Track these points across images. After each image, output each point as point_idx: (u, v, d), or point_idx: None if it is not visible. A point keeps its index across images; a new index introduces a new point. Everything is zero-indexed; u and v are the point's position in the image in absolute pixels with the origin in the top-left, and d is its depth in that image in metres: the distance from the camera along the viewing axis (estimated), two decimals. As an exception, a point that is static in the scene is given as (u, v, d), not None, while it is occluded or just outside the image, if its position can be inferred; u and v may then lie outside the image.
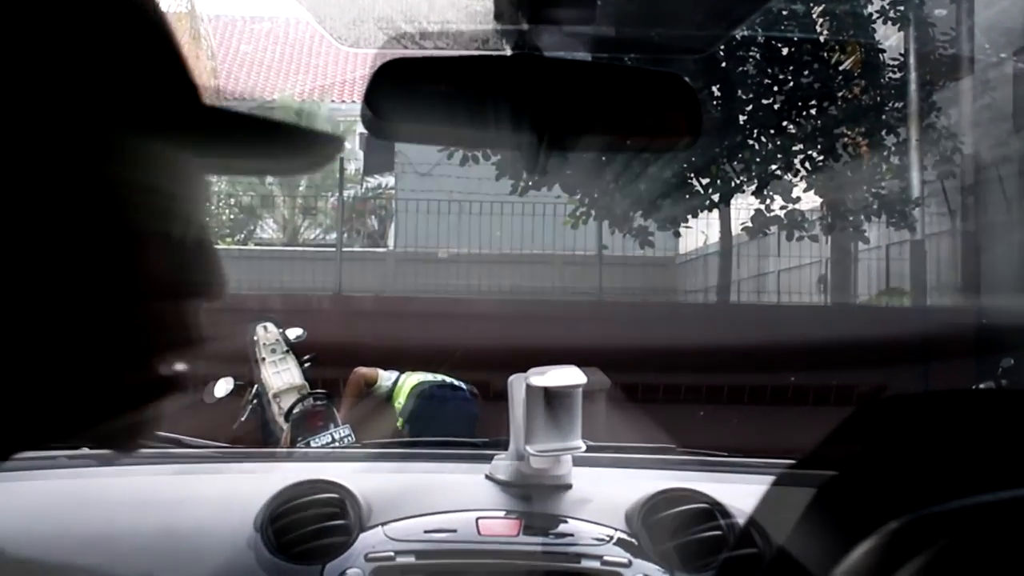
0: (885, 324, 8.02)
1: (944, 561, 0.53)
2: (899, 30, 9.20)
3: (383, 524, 1.60)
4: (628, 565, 1.56)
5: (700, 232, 10.79)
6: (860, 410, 0.70)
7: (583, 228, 9.64)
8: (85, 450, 1.73)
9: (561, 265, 10.69)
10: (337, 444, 4.66)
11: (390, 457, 2.21)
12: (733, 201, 9.47)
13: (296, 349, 5.26)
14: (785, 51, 9.11)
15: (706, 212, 9.53)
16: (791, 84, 9.07)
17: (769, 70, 9.08)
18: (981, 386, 6.55)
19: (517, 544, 1.59)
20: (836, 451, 0.69)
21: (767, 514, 0.67)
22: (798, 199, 9.26)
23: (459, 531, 1.60)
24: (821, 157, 9.06)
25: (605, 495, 1.72)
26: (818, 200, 9.44)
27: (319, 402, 5.06)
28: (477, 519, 1.62)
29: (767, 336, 6.16)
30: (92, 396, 0.48)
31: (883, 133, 9.13)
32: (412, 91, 0.95)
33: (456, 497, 1.70)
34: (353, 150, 12.18)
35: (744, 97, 9.12)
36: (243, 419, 5.03)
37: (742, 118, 9.15)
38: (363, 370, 5.34)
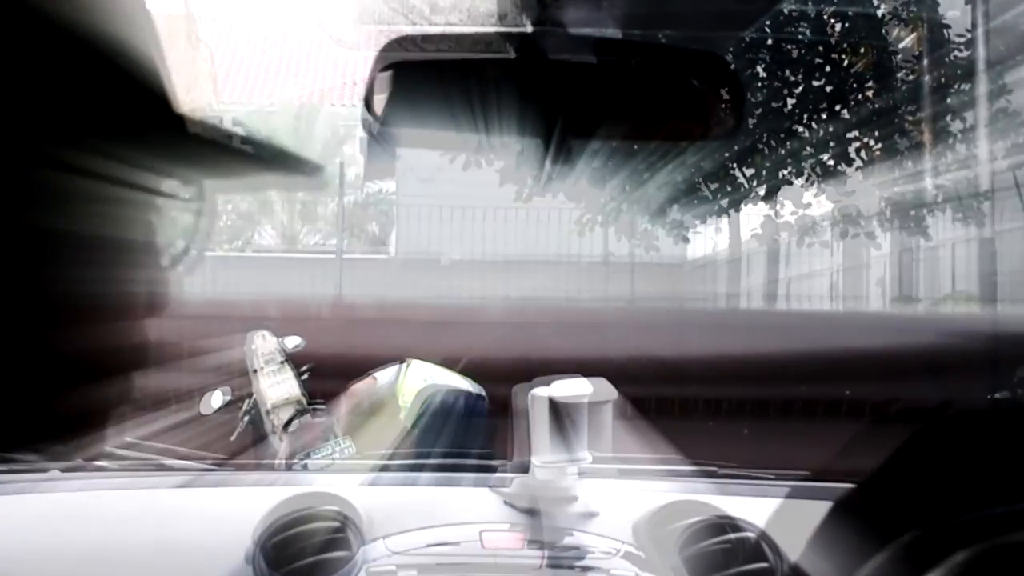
0: (896, 332, 7.88)
1: (961, 574, 0.53)
2: (912, 31, 8.89)
3: (384, 538, 1.60)
4: None
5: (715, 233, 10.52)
6: (874, 423, 0.68)
7: (589, 234, 9.49)
8: (57, 474, 1.72)
9: (587, 267, 10.58)
10: (337, 458, 4.61)
11: (392, 470, 2.19)
12: (768, 202, 9.14)
13: (294, 359, 5.18)
14: (838, 27, 8.69)
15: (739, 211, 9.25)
16: (845, 64, 8.63)
17: (820, 48, 8.66)
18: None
19: (522, 558, 1.59)
20: (851, 464, 0.68)
21: (779, 527, 0.66)
22: (809, 205, 9.04)
23: (462, 544, 1.60)
24: (878, 146, 8.67)
25: (611, 508, 1.70)
26: (831, 204, 9.16)
27: (318, 415, 4.99)
28: (481, 532, 1.62)
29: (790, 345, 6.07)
30: (28, 409, 0.48)
31: (897, 137, 8.81)
32: (414, 94, 0.94)
33: (459, 510, 1.70)
34: (354, 154, 12.17)
35: (792, 79, 8.70)
36: (238, 432, 4.97)
37: (790, 102, 8.72)
38: (358, 386, 5.26)
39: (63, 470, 1.87)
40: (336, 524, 1.59)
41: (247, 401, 5.03)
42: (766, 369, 5.96)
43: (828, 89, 8.77)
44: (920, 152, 8.86)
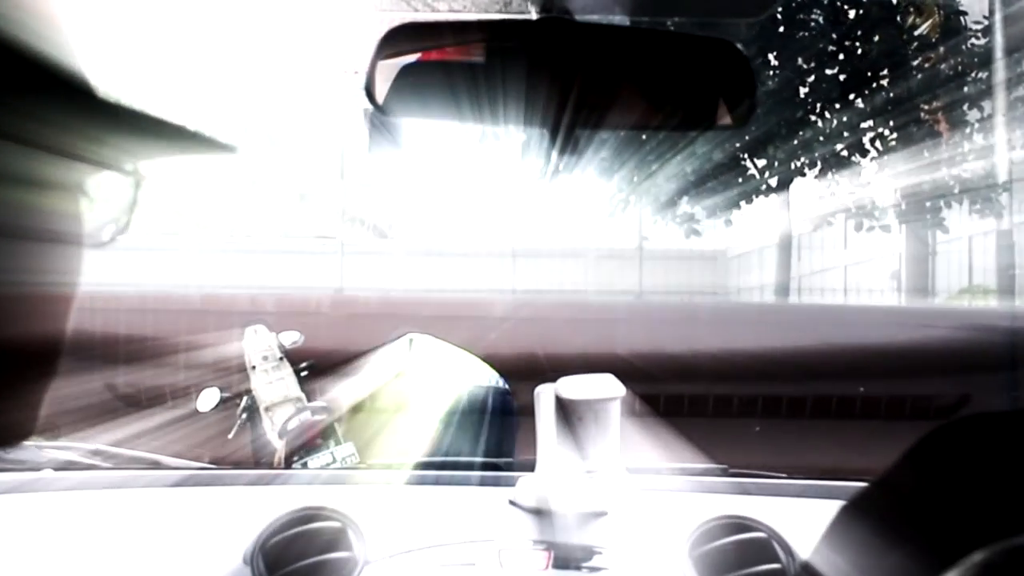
0: (965, 327, 7.57)
1: (979, 575, 0.53)
2: (928, 18, 8.72)
3: (391, 557, 1.56)
4: None
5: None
6: (940, 427, 0.66)
7: (621, 218, 9.22)
8: (50, 472, 1.71)
9: (595, 260, 10.41)
10: (338, 464, 4.55)
11: (399, 479, 2.12)
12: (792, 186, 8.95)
13: (291, 356, 5.13)
14: (852, 13, 8.52)
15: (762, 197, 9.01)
16: (859, 52, 8.47)
17: (834, 35, 8.47)
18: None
19: (527, 558, 1.57)
20: (913, 473, 0.66)
21: (833, 545, 0.64)
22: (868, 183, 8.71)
23: (478, 565, 1.55)
24: (893, 135, 8.50)
25: (645, 523, 1.65)
26: (892, 185, 8.89)
27: (317, 416, 4.91)
28: (499, 551, 1.57)
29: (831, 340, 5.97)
30: None
31: (965, 107, 8.51)
32: (423, 60, 0.91)
33: (475, 525, 1.65)
34: (355, 130, 12.03)
35: (805, 67, 8.53)
36: (236, 431, 4.90)
37: (803, 91, 8.57)
38: (365, 360, 5.09)
39: (56, 469, 1.88)
40: (337, 524, 1.57)
41: (245, 399, 5.00)
42: (796, 366, 5.89)
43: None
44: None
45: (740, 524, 1.58)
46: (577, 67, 0.90)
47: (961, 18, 8.75)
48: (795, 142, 8.46)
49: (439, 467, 2.24)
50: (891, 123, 8.53)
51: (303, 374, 5.10)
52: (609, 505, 1.62)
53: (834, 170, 8.70)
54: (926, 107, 8.61)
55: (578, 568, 1.55)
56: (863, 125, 8.57)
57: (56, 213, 0.51)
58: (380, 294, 9.63)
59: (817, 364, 5.87)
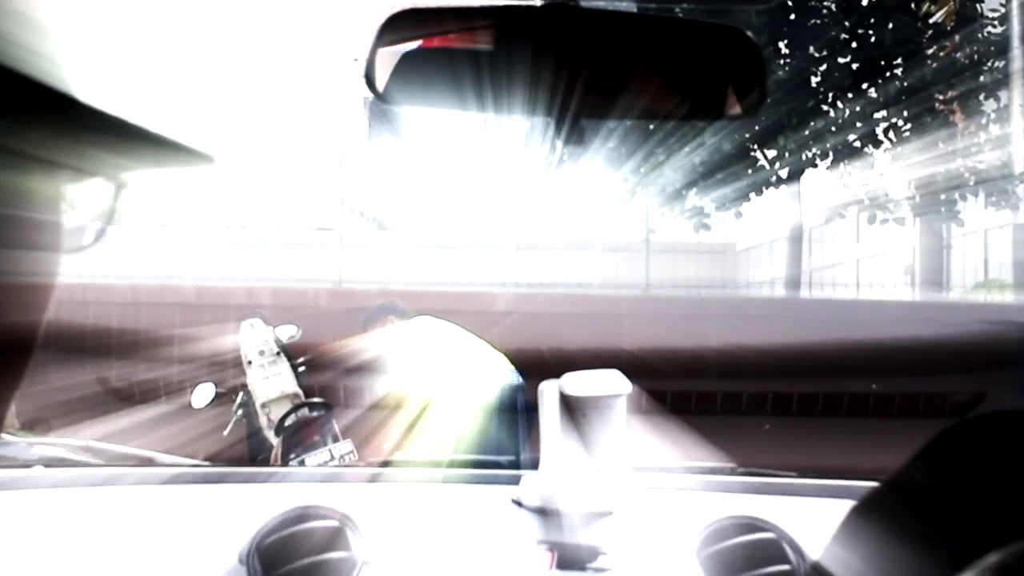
0: (981, 322, 7.48)
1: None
2: (942, 5, 8.69)
3: (385, 537, 1.56)
4: None
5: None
6: (954, 425, 0.66)
7: (627, 210, 9.18)
8: (40, 469, 1.71)
9: (601, 253, 10.37)
10: (336, 462, 4.52)
11: (398, 478, 2.09)
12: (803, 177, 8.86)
13: (289, 351, 5.09)
14: (865, 0, 8.46)
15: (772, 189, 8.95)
16: (872, 39, 8.39)
17: (846, 22, 8.39)
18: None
19: (529, 558, 1.56)
20: (926, 473, 0.65)
21: (844, 546, 0.64)
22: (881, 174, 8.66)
23: (480, 566, 1.55)
24: (907, 126, 8.42)
25: (651, 523, 1.64)
26: (905, 177, 8.83)
27: (315, 413, 4.88)
28: (502, 551, 1.57)
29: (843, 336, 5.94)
30: None
31: (981, 97, 8.44)
32: (425, 47, 0.90)
33: (478, 525, 1.64)
34: (354, 119, 11.99)
35: (816, 55, 8.44)
36: (231, 427, 4.86)
37: (814, 80, 8.50)
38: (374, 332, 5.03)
39: (46, 465, 1.88)
40: (335, 524, 1.56)
41: (240, 394, 4.97)
42: (809, 361, 5.85)
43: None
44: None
45: (749, 524, 1.58)
46: (583, 55, 0.90)
47: (977, 5, 8.70)
48: (806, 132, 8.41)
49: (440, 465, 2.22)
50: (905, 113, 8.48)
51: (301, 369, 5.06)
52: (615, 504, 1.61)
53: (846, 161, 8.67)
54: (941, 96, 8.56)
55: (583, 569, 1.55)
56: (876, 115, 8.52)
57: (34, 220, 0.51)
58: (380, 287, 9.62)
59: (828, 360, 5.85)
